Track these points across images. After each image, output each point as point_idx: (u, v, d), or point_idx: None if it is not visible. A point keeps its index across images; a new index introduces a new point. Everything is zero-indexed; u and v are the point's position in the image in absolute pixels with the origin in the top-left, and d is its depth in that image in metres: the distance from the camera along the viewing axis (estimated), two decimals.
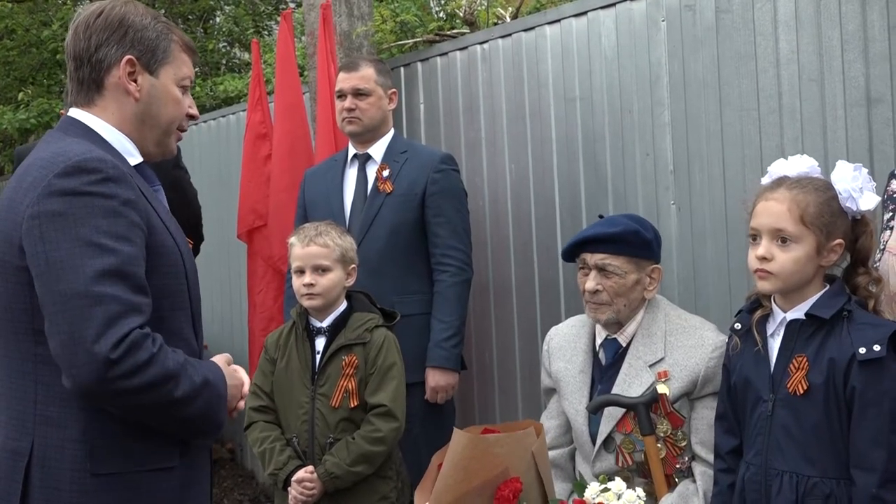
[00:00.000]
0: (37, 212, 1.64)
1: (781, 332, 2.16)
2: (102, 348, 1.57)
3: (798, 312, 2.13)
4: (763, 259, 2.10)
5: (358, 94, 3.44)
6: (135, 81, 1.83)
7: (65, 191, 1.64)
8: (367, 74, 3.47)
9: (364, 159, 3.49)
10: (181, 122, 1.92)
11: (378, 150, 3.49)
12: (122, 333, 1.59)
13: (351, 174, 3.51)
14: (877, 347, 1.97)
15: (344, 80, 3.48)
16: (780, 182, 2.14)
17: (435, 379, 3.28)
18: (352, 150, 3.53)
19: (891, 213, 2.21)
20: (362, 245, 3.27)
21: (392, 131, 3.56)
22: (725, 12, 2.92)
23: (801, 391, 2.06)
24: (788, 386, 2.09)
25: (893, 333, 1.99)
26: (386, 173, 3.41)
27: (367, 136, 3.47)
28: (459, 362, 3.36)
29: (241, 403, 1.91)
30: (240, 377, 1.90)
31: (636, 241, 2.53)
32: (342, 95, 3.47)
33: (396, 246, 3.35)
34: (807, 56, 2.74)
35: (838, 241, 2.10)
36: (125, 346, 1.59)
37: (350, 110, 3.43)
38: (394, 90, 3.59)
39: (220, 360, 1.88)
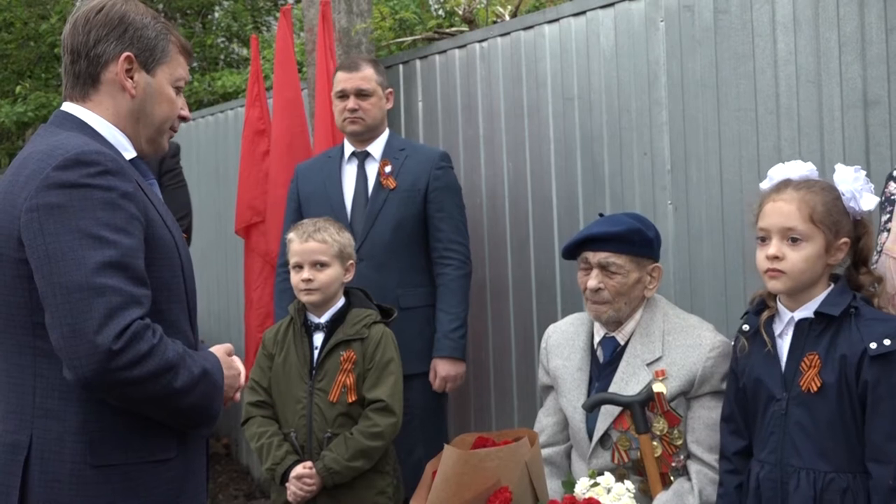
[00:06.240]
0: (36, 204, 1.64)
1: (790, 332, 2.18)
2: (105, 339, 1.58)
3: (806, 311, 2.16)
4: (774, 258, 2.13)
5: (360, 94, 3.45)
6: (131, 78, 1.83)
7: (64, 183, 1.65)
8: (368, 75, 3.48)
9: (363, 157, 3.51)
10: (173, 122, 1.93)
11: (377, 147, 3.51)
12: (123, 324, 1.60)
13: (350, 171, 3.52)
14: (887, 342, 2.01)
15: (346, 80, 3.47)
16: (786, 183, 2.18)
17: (445, 369, 3.33)
18: (349, 148, 3.54)
19: (888, 216, 2.24)
20: (367, 240, 3.34)
21: (388, 130, 3.58)
22: (724, 13, 2.93)
23: (815, 388, 2.09)
24: (801, 384, 2.11)
25: None
26: (388, 169, 3.44)
27: (367, 135, 3.49)
28: (465, 353, 3.40)
29: (238, 394, 1.92)
30: (237, 367, 1.91)
31: (639, 240, 2.53)
32: (344, 95, 3.47)
33: (401, 240, 3.38)
34: (804, 57, 2.75)
35: (844, 239, 2.14)
36: (127, 337, 1.60)
37: (353, 111, 3.44)
38: (390, 90, 3.61)
39: (219, 350, 1.89)
